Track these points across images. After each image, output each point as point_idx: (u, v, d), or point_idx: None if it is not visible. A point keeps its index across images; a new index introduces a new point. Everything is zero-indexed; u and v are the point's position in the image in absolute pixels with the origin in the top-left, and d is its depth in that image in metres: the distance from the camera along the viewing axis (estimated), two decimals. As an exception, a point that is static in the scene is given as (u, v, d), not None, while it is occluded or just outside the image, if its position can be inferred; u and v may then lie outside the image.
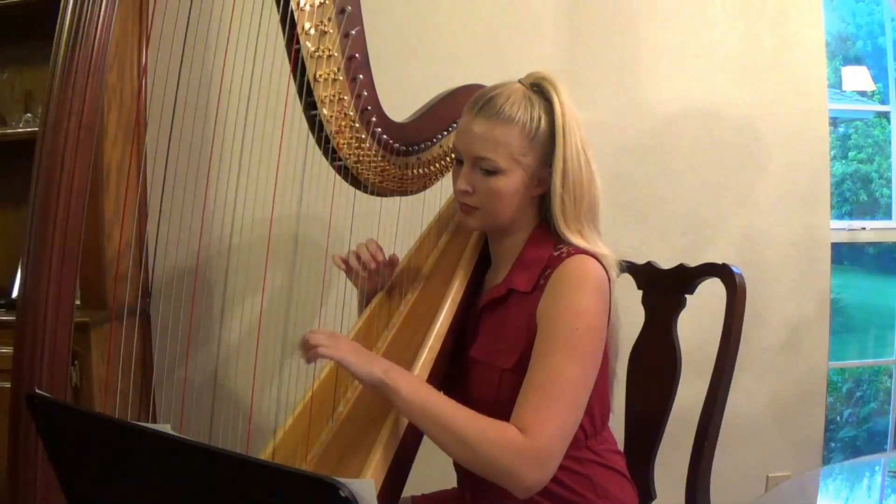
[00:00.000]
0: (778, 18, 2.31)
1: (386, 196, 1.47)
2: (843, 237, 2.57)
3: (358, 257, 1.39)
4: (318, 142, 1.31)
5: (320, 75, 1.25)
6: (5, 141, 2.03)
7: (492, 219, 1.26)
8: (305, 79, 1.24)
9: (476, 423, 1.10)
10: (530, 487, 1.09)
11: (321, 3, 1.22)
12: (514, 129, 1.20)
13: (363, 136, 1.32)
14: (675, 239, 2.29)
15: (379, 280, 1.43)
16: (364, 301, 1.45)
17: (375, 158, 1.36)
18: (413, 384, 1.11)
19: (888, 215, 2.79)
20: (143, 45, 1.95)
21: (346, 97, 1.28)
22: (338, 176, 1.37)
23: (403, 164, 1.42)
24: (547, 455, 1.09)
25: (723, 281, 1.43)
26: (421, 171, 1.45)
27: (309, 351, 1.10)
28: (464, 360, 1.28)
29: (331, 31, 1.24)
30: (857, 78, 2.88)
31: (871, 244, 2.92)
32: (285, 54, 1.23)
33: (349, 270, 1.41)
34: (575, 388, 1.13)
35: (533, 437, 1.08)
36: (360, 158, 1.35)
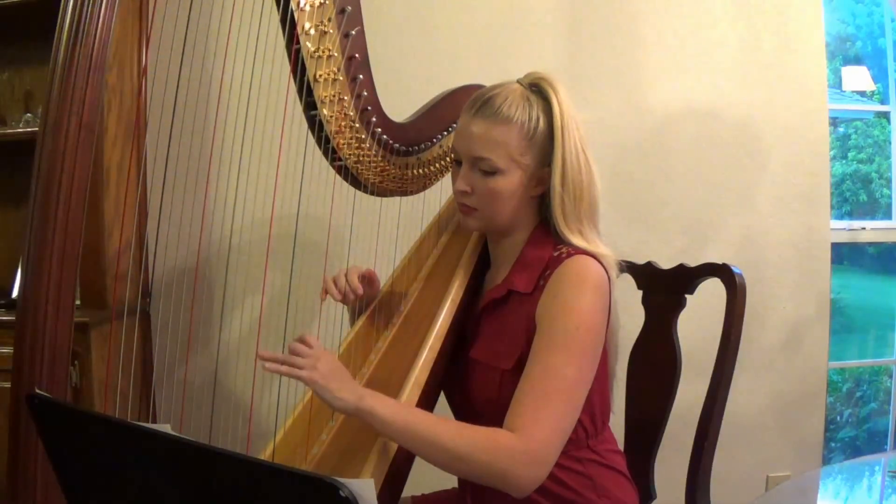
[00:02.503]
0: (778, 18, 2.31)
1: (386, 196, 1.47)
2: (843, 237, 2.57)
3: (335, 284, 1.34)
4: (318, 142, 1.31)
5: (320, 75, 1.25)
6: (5, 141, 2.03)
7: (491, 219, 1.26)
8: (305, 79, 1.24)
9: (463, 433, 1.09)
10: (526, 487, 1.09)
11: (321, 4, 1.22)
12: (512, 129, 1.20)
13: (363, 137, 1.33)
14: (675, 239, 2.29)
15: (365, 298, 1.41)
16: (354, 314, 1.44)
17: (375, 158, 1.36)
18: (390, 406, 1.09)
19: (888, 215, 2.79)
20: (143, 44, 1.95)
21: (346, 97, 1.28)
22: (338, 176, 1.37)
23: (403, 164, 1.42)
24: (541, 454, 1.09)
25: (723, 281, 1.43)
26: (421, 171, 1.46)
27: (282, 365, 1.07)
28: (464, 362, 1.28)
29: (331, 31, 1.24)
30: (857, 78, 2.89)
31: (871, 244, 2.92)
32: (285, 54, 1.23)
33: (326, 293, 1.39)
34: (571, 387, 1.13)
35: (527, 437, 1.08)
36: (360, 158, 1.35)
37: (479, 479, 1.12)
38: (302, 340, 1.11)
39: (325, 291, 1.34)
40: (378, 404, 1.08)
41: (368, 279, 1.39)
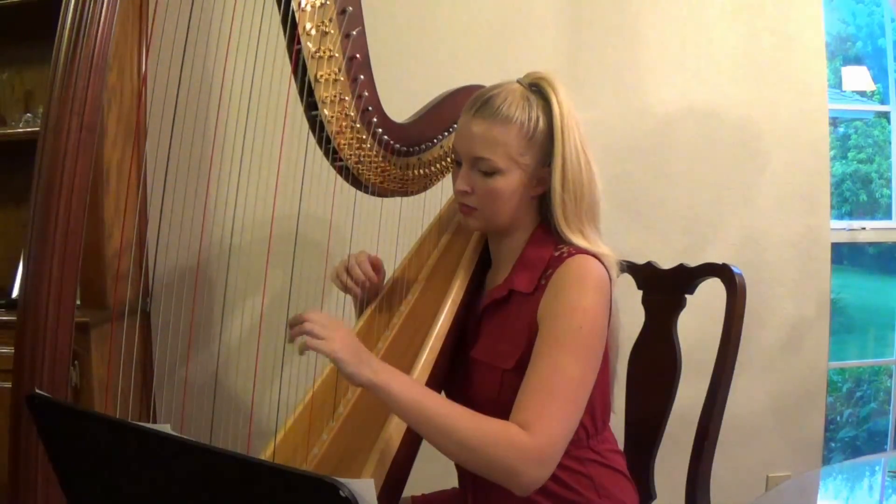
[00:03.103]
0: (778, 18, 2.31)
1: (387, 196, 1.47)
2: (843, 237, 2.57)
3: (349, 274, 1.38)
4: (319, 142, 1.31)
5: (321, 76, 1.25)
6: (5, 141, 2.03)
7: (491, 219, 1.26)
8: (306, 79, 1.24)
9: (474, 422, 1.08)
10: (530, 485, 1.08)
11: (322, 4, 1.22)
12: (512, 129, 1.20)
13: (364, 137, 1.33)
14: (675, 239, 2.29)
15: (373, 289, 1.43)
16: (360, 308, 1.44)
17: (376, 159, 1.36)
18: (406, 384, 1.07)
19: (888, 215, 2.79)
20: (143, 44, 1.95)
21: (346, 98, 1.28)
22: (339, 176, 1.37)
23: (404, 164, 1.42)
24: (549, 452, 1.09)
25: (723, 281, 1.43)
26: (422, 171, 1.46)
27: (300, 334, 1.05)
28: (465, 361, 1.28)
29: (332, 31, 1.24)
30: (857, 78, 2.89)
31: (871, 244, 2.92)
32: (286, 55, 1.23)
33: (345, 288, 1.41)
34: (576, 385, 1.13)
35: (535, 435, 1.07)
36: (361, 159, 1.35)
37: (482, 470, 1.10)
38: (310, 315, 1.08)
39: (343, 284, 1.36)
40: (394, 380, 1.06)
41: (376, 266, 1.41)
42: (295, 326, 1.07)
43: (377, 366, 1.08)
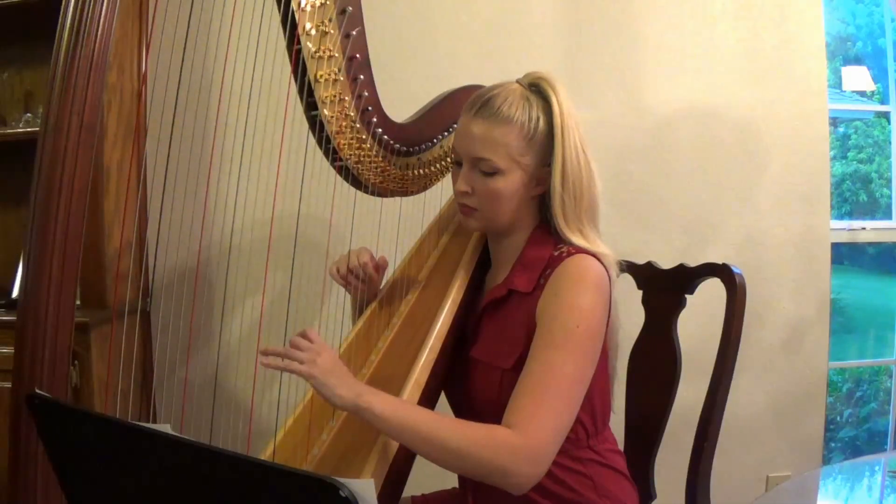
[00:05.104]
0: (778, 18, 2.31)
1: (386, 196, 1.48)
2: (843, 237, 2.57)
3: (350, 270, 1.38)
4: (319, 142, 1.31)
5: (321, 76, 1.25)
6: (5, 141, 2.03)
7: (491, 219, 1.26)
8: (306, 79, 1.24)
9: (460, 429, 1.09)
10: (524, 484, 1.09)
11: (322, 4, 1.22)
12: (512, 129, 1.20)
13: (364, 137, 1.33)
14: (675, 239, 2.29)
15: (373, 288, 1.43)
16: (358, 308, 1.44)
17: (376, 159, 1.36)
18: (389, 403, 1.08)
19: (888, 215, 2.79)
20: (143, 44, 1.95)
21: (346, 98, 1.28)
22: (338, 176, 1.37)
23: (404, 164, 1.42)
24: (540, 451, 1.09)
25: (723, 281, 1.43)
26: (421, 171, 1.46)
27: (282, 360, 1.08)
28: (464, 361, 1.28)
29: (331, 31, 1.24)
30: (857, 78, 2.89)
31: (871, 244, 2.92)
32: (286, 55, 1.23)
33: (346, 283, 1.41)
34: (570, 383, 1.13)
35: (525, 433, 1.08)
36: (361, 159, 1.35)
37: (477, 476, 1.12)
38: (304, 335, 1.11)
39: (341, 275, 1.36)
40: (376, 401, 1.07)
41: (379, 267, 1.41)
42: (269, 356, 1.09)
43: (359, 388, 1.09)
